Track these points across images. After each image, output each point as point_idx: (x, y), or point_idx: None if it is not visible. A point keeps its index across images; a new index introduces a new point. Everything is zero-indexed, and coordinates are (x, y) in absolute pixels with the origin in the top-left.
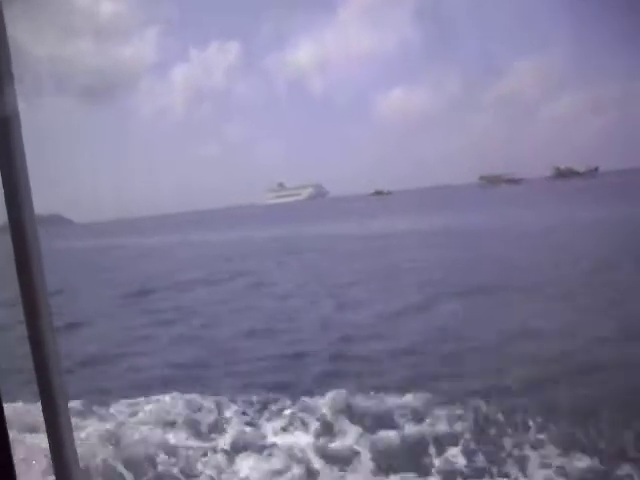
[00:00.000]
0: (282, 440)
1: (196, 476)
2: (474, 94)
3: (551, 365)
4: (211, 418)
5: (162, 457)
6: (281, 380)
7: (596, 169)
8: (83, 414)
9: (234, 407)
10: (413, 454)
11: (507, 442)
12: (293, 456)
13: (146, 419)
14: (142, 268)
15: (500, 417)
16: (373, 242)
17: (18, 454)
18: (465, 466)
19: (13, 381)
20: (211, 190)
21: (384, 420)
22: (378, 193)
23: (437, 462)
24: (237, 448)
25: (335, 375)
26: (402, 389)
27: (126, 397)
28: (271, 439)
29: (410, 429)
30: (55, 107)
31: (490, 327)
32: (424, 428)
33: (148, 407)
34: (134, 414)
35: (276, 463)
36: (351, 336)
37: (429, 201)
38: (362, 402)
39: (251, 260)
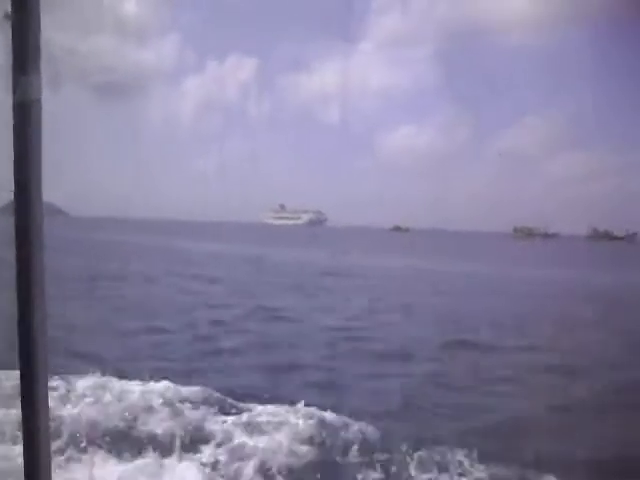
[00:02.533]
0: None
1: None
2: (481, 143)
3: None
4: None
5: None
6: None
7: (635, 234)
8: None
9: None
10: None
11: None
12: None
13: None
14: None
15: None
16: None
17: None
18: None
19: None
20: (210, 202)
21: None
22: (397, 228)
23: None
24: None
25: None
26: None
27: None
28: None
29: None
30: (67, 99)
31: None
32: None
33: None
34: None
35: None
36: None
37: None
38: None
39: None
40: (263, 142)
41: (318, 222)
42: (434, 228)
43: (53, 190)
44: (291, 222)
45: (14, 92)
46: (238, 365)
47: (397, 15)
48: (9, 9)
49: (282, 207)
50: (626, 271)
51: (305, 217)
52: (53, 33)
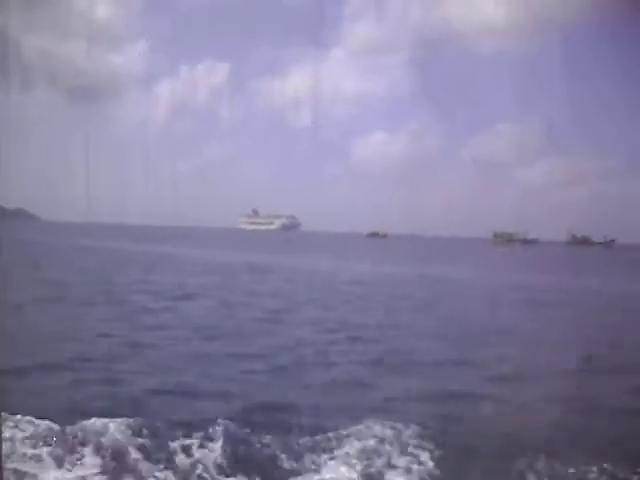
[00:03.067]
0: None
1: None
2: (456, 150)
3: None
4: None
5: None
6: None
7: (612, 241)
8: None
9: None
10: None
11: None
12: None
13: None
14: None
15: None
16: None
17: None
18: None
19: None
20: (183, 207)
21: None
22: (374, 234)
23: None
24: None
25: None
26: None
27: None
28: None
29: None
30: (38, 103)
31: None
32: None
33: None
34: None
35: None
36: None
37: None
38: None
39: None
40: (236, 147)
41: (292, 227)
42: (411, 234)
43: (23, 195)
44: (264, 227)
45: None
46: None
47: (371, 22)
48: None
49: (255, 212)
50: (606, 276)
51: (278, 222)
52: (27, 37)
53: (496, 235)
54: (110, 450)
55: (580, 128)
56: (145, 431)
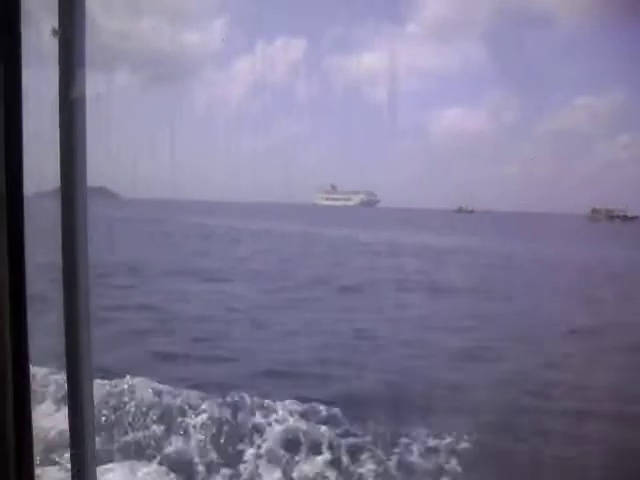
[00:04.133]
0: None
1: None
2: (530, 124)
3: None
4: None
5: None
6: None
7: None
8: None
9: None
10: None
11: None
12: None
13: None
14: None
15: None
16: None
17: None
18: None
19: None
20: (261, 184)
21: None
22: (460, 210)
23: None
24: None
25: None
26: None
27: None
28: None
29: None
30: (117, 83)
31: None
32: None
33: None
34: None
35: None
36: None
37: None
38: None
39: None
40: (312, 123)
41: (370, 203)
42: (494, 210)
43: (105, 174)
44: (341, 203)
45: (61, 93)
46: None
47: None
48: (56, 25)
49: (333, 188)
50: None
51: (356, 198)
52: (105, 19)
53: (594, 211)
54: None
55: None
56: None
